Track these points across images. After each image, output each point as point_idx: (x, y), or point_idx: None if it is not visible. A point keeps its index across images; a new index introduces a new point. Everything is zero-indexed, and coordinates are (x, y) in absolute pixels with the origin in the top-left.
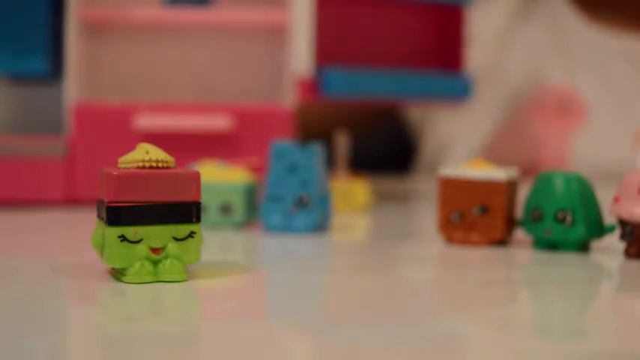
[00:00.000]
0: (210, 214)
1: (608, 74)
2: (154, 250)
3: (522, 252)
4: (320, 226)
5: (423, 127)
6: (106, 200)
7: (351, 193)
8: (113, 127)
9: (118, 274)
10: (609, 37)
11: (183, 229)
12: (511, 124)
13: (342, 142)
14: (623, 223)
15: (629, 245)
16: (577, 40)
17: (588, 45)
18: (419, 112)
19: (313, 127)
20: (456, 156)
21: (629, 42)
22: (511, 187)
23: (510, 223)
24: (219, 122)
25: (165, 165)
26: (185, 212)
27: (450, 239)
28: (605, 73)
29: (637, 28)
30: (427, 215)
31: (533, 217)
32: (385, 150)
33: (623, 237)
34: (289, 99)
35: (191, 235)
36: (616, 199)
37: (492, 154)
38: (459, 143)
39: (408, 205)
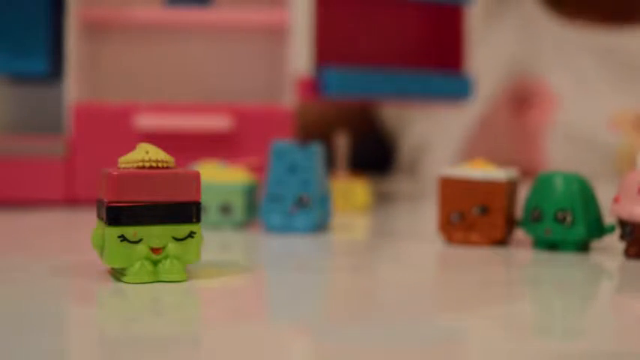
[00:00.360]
0: (210, 214)
1: (577, 68)
2: (154, 250)
3: (522, 252)
4: (320, 226)
5: (399, 128)
6: (106, 200)
7: (351, 193)
8: (113, 127)
9: (118, 274)
10: (577, 32)
11: (183, 229)
12: (487, 122)
13: (342, 142)
14: (623, 223)
15: (629, 245)
16: (547, 37)
17: (558, 41)
18: (395, 112)
19: (313, 127)
20: (436, 156)
21: (596, 37)
22: (511, 187)
23: (510, 223)
24: (219, 122)
25: (165, 165)
26: (185, 212)
27: (450, 239)
28: (574, 67)
29: (601, 23)
30: (426, 215)
31: (533, 217)
32: (363, 150)
33: (623, 237)
34: (289, 99)
35: (191, 235)
36: (616, 199)
37: (471, 154)
38: (437, 144)
39: (406, 205)
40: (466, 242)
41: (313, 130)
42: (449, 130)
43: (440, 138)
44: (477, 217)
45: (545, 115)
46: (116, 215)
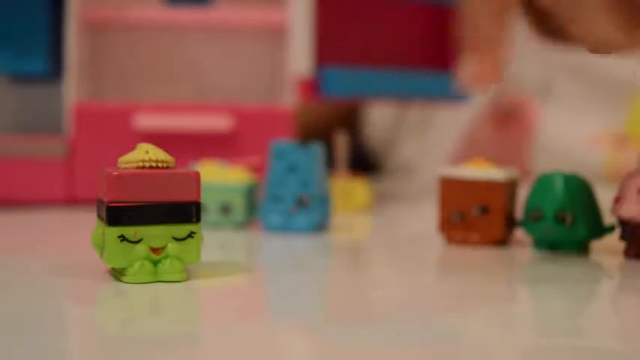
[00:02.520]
0: (210, 214)
1: (555, 84)
2: (154, 250)
3: (522, 252)
4: (320, 226)
5: (385, 148)
6: (105, 200)
7: (351, 193)
8: (113, 127)
9: (118, 274)
10: (555, 49)
11: (183, 229)
12: (471, 138)
13: (342, 142)
14: (623, 223)
15: (629, 245)
16: (528, 53)
17: (538, 58)
18: (381, 133)
19: (313, 127)
20: (423, 173)
21: (572, 54)
22: (511, 187)
23: (510, 223)
24: (219, 122)
25: (165, 165)
26: (185, 212)
27: (450, 239)
28: (552, 82)
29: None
30: (426, 215)
31: (533, 217)
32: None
33: (623, 237)
34: (289, 99)
35: (191, 235)
36: (616, 200)
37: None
38: (423, 165)
39: (405, 205)
40: (466, 242)
41: (313, 130)
42: (434, 151)
43: (425, 160)
44: (477, 217)
45: (528, 129)
46: (116, 215)
